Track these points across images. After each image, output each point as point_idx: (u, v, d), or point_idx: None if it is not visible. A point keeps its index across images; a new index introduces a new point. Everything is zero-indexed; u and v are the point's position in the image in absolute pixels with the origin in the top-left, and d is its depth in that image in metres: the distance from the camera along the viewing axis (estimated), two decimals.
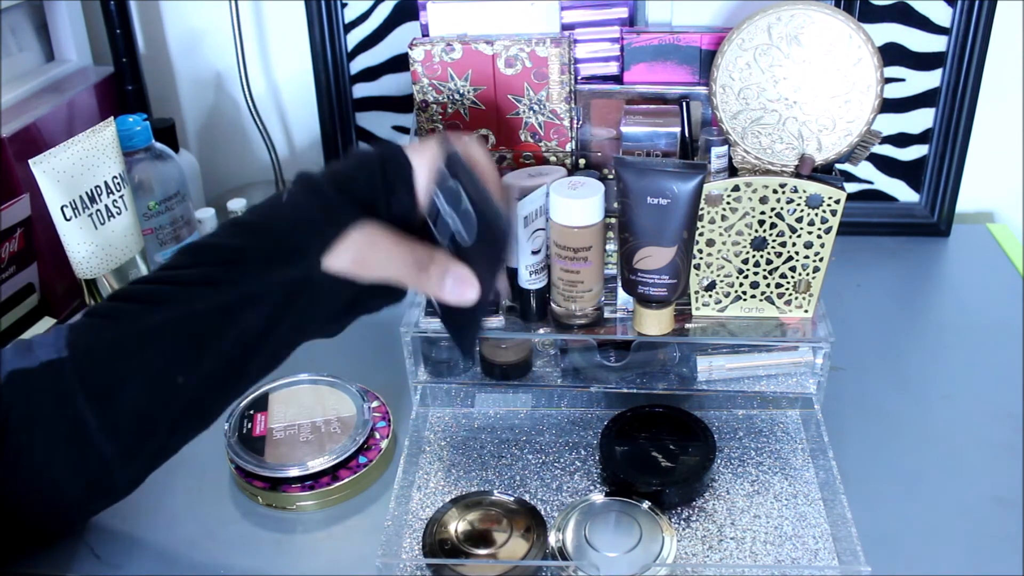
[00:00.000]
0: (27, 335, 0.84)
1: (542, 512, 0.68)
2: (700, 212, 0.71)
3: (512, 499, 0.69)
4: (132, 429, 0.58)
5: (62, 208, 0.75)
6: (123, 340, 0.57)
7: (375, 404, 0.78)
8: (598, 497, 0.69)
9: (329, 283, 0.57)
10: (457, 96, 0.76)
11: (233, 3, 1.01)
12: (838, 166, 0.74)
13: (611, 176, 0.76)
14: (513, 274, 0.76)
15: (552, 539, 0.66)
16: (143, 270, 0.83)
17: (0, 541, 0.59)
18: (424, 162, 0.60)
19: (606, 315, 0.76)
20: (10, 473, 0.57)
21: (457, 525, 0.67)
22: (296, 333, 0.60)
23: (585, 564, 0.63)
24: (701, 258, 0.74)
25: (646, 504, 0.68)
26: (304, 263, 0.56)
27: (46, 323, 0.86)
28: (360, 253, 0.57)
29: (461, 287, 0.59)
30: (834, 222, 0.71)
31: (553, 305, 0.75)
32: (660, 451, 0.72)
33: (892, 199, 1.05)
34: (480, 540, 0.65)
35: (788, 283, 0.74)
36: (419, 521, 0.69)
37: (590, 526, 0.66)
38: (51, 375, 0.56)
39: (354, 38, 1.04)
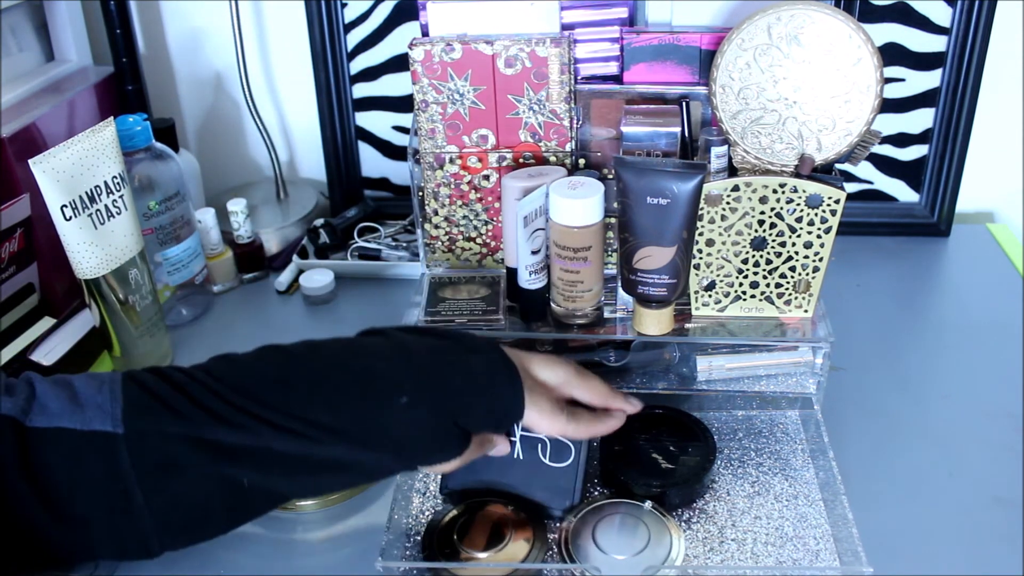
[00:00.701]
0: (29, 332, 0.84)
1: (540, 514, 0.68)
2: (700, 212, 0.71)
3: (515, 500, 0.69)
4: (182, 515, 0.59)
5: (62, 208, 0.75)
6: (188, 441, 0.57)
7: None
8: (604, 499, 0.69)
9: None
10: (457, 96, 0.76)
11: (233, 3, 1.01)
12: (838, 166, 0.74)
13: (611, 176, 0.76)
14: (513, 274, 0.76)
15: (560, 542, 0.65)
16: (143, 270, 0.83)
17: (17, 566, 0.59)
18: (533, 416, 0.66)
19: (606, 315, 0.76)
20: (47, 522, 0.56)
21: (457, 528, 0.66)
22: None
23: (586, 566, 0.63)
24: (701, 258, 0.74)
25: (648, 504, 0.68)
26: (402, 465, 0.65)
27: (46, 323, 0.85)
28: (451, 467, 0.64)
29: (497, 452, 0.69)
30: (834, 222, 0.71)
31: (553, 305, 0.75)
32: (660, 453, 0.72)
33: (892, 199, 1.05)
34: (480, 543, 0.65)
35: (788, 283, 0.74)
36: (419, 525, 0.69)
37: (598, 528, 0.66)
38: (103, 446, 0.56)
39: (354, 38, 1.04)
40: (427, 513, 0.70)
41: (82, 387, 0.58)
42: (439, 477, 0.71)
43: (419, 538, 0.67)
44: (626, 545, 0.65)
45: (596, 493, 0.71)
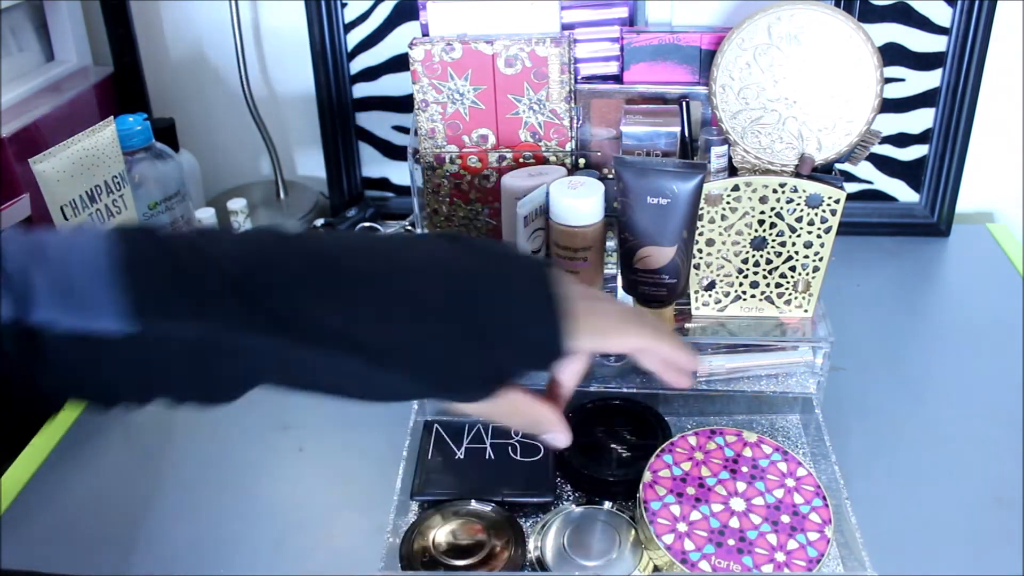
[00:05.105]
0: None
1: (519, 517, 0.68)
2: (700, 212, 0.71)
3: (491, 508, 0.68)
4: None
5: (62, 208, 0.75)
6: (208, 350, 0.51)
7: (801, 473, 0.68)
8: (575, 506, 0.69)
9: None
10: (457, 96, 0.76)
11: (233, 3, 1.01)
12: (838, 166, 0.74)
13: (611, 176, 0.76)
14: None
15: (531, 546, 0.65)
16: None
17: None
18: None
19: None
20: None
21: (435, 535, 0.66)
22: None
23: (579, 574, 0.63)
24: (701, 258, 0.74)
25: (608, 504, 0.68)
26: (417, 389, 0.56)
27: None
28: (478, 409, 0.56)
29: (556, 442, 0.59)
30: (834, 222, 0.71)
31: None
32: (619, 443, 0.72)
33: (892, 199, 1.05)
34: (459, 549, 0.65)
35: (788, 283, 0.74)
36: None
37: (569, 535, 0.66)
38: (114, 352, 0.49)
39: (354, 38, 1.04)
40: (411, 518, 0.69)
41: (78, 273, 0.49)
42: (411, 484, 0.71)
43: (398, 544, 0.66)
44: (598, 550, 0.65)
45: (569, 499, 0.70)
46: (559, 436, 0.58)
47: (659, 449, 0.69)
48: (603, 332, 0.55)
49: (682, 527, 0.63)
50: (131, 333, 0.49)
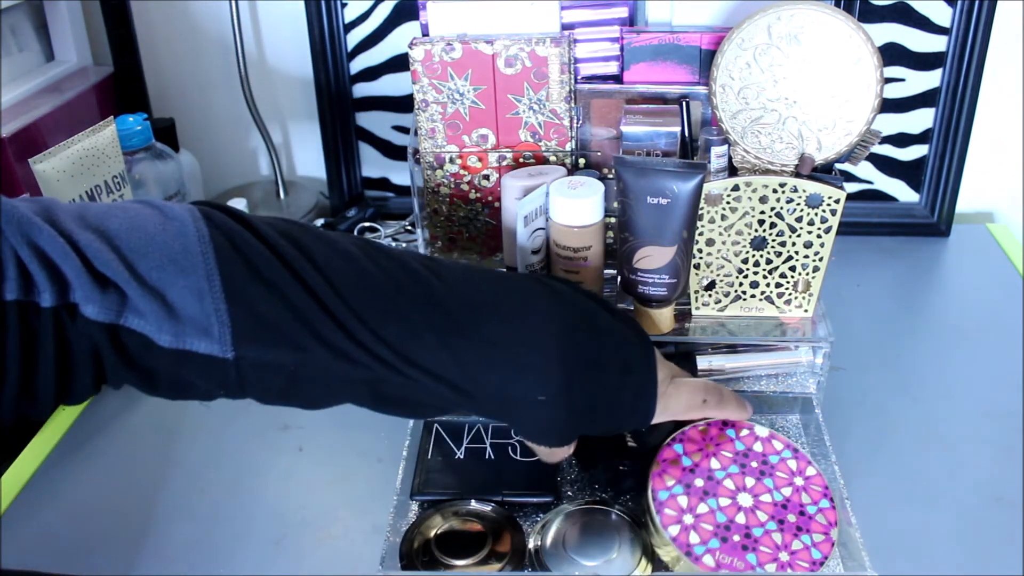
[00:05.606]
0: None
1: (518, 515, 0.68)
2: (700, 212, 0.71)
3: (491, 508, 0.68)
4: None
5: None
6: (303, 375, 0.53)
7: (810, 472, 0.68)
8: (573, 505, 0.69)
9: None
10: (457, 96, 0.76)
11: (233, 3, 1.01)
12: (838, 166, 0.74)
13: (611, 176, 0.76)
14: None
15: (531, 546, 0.65)
16: None
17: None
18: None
19: None
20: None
21: (435, 534, 0.66)
22: None
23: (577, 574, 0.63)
24: (701, 258, 0.74)
25: (617, 512, 0.68)
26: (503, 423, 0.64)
27: None
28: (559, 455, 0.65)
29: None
30: (834, 222, 0.71)
31: None
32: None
33: (892, 199, 1.05)
34: (459, 549, 0.65)
35: (788, 283, 0.74)
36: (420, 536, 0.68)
37: (569, 534, 0.66)
38: (211, 368, 0.51)
39: (354, 38, 1.04)
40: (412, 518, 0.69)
41: (178, 292, 0.50)
42: (411, 484, 0.71)
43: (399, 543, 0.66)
44: (596, 552, 0.65)
45: (569, 494, 0.71)
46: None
47: (670, 438, 0.69)
48: (674, 414, 0.65)
49: (688, 519, 0.63)
50: (227, 358, 0.50)
